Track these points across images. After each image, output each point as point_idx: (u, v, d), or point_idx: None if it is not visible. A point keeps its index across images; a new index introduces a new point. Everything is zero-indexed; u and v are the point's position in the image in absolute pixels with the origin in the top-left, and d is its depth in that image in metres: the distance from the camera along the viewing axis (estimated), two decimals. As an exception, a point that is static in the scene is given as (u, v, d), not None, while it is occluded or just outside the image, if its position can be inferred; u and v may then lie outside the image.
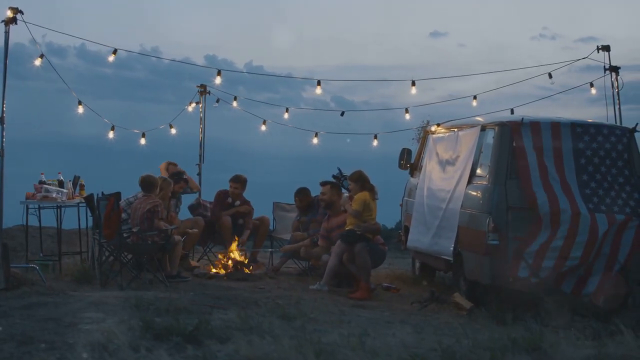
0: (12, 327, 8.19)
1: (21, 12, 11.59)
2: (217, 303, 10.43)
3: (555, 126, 11.21)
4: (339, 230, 13.03)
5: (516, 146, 11.06)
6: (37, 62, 12.73)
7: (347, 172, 13.91)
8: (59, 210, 13.51)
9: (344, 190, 13.98)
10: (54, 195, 13.10)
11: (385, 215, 13.83)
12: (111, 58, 13.58)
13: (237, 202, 15.01)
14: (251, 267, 13.93)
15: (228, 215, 14.76)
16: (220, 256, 14.34)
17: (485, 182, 11.28)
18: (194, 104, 16.99)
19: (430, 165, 13.53)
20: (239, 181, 15.07)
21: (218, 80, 15.02)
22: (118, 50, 13.59)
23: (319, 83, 14.71)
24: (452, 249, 11.78)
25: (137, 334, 7.67)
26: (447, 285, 13.12)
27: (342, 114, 16.04)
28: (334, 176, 14.50)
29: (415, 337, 8.74)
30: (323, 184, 14.00)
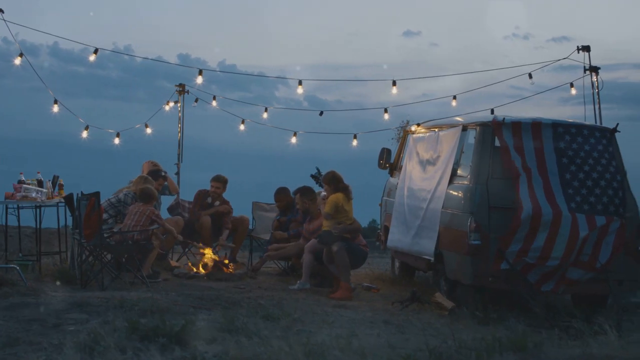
0: (-4, 328, 8.16)
1: (2, 11, 11.53)
2: (199, 303, 10.40)
3: (537, 126, 11.23)
4: (320, 231, 12.99)
5: (500, 146, 11.10)
6: (17, 61, 12.67)
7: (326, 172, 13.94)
8: (39, 210, 13.42)
9: (322, 189, 13.99)
10: (33, 195, 13.01)
11: (358, 215, 13.77)
12: (92, 57, 13.57)
13: (217, 202, 14.99)
14: (231, 267, 13.89)
15: (207, 215, 14.73)
16: (201, 248, 14.26)
17: (466, 182, 11.29)
18: (172, 103, 16.95)
19: (410, 165, 13.53)
20: (221, 181, 15.06)
21: (199, 79, 15.04)
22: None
23: (300, 83, 14.75)
24: (433, 248, 11.79)
25: (123, 335, 7.65)
26: (428, 285, 13.12)
27: (321, 113, 16.08)
28: (312, 175, 14.57)
29: (400, 338, 8.78)
30: (294, 192, 14.03)
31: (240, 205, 15.64)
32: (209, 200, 15.02)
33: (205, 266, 13.77)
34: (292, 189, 14.74)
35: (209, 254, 13.96)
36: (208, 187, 15.14)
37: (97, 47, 13.87)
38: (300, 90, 14.94)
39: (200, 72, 15.03)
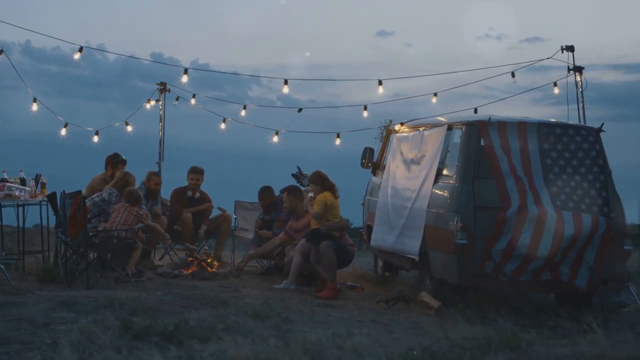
0: (-15, 327, 8.08)
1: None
2: (187, 303, 10.36)
3: (522, 126, 11.26)
4: (306, 230, 12.96)
5: (484, 146, 11.13)
6: (-1, 58, 12.68)
7: (307, 171, 13.94)
8: (22, 208, 13.32)
9: (304, 188, 13.99)
10: (16, 193, 12.92)
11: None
12: (77, 56, 13.53)
13: (197, 194, 15.00)
14: (215, 266, 13.86)
15: (190, 212, 14.71)
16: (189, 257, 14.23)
17: (452, 182, 11.30)
18: (153, 102, 16.88)
19: (394, 165, 13.54)
20: (198, 172, 15.15)
21: (184, 79, 15.03)
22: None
23: (285, 82, 14.75)
24: (418, 248, 11.79)
25: (116, 334, 7.59)
26: (412, 284, 13.11)
27: (300, 110, 16.09)
28: (293, 175, 14.50)
29: (390, 337, 8.78)
30: (282, 191, 14.02)
31: (222, 204, 15.62)
32: (190, 193, 15.02)
33: (188, 265, 13.76)
34: (273, 188, 14.77)
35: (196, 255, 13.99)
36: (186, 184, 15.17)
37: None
38: (286, 89, 14.93)
39: (185, 72, 15.00)
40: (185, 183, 15.24)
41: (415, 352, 7.29)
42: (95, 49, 14.13)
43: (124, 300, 9.61)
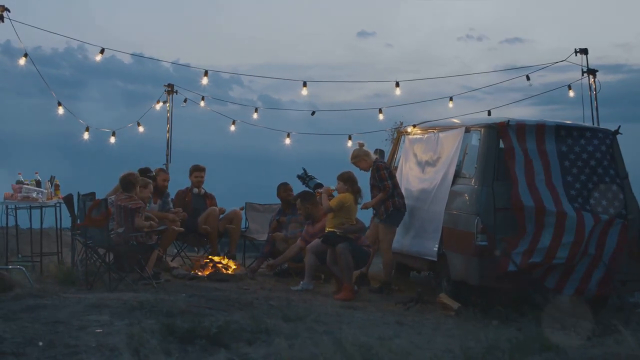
0: (23, 330, 8.03)
1: (8, 10, 11.39)
2: (214, 305, 10.35)
3: (540, 128, 11.35)
4: (322, 233, 12.96)
5: (504, 148, 11.21)
6: (22, 61, 12.60)
7: (312, 173, 13.96)
8: (40, 210, 13.33)
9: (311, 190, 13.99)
10: (34, 195, 12.93)
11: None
12: (98, 57, 13.50)
13: (203, 191, 15.06)
14: (230, 269, 13.84)
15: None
16: (202, 259, 14.23)
17: (472, 184, 11.37)
18: (161, 103, 16.87)
19: (407, 167, 13.59)
20: (201, 169, 15.29)
21: (205, 80, 14.98)
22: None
23: (304, 84, 14.69)
24: (436, 249, 11.86)
25: (160, 337, 7.58)
26: (428, 286, 13.14)
27: (313, 113, 16.06)
28: (298, 176, 14.45)
29: (421, 338, 8.81)
30: (294, 199, 14.02)
31: (231, 206, 15.62)
32: (196, 190, 15.07)
33: (203, 266, 13.76)
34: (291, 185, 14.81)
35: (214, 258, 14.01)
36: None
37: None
38: (304, 91, 14.82)
39: (205, 73, 14.94)
40: (188, 184, 15.31)
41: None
42: (115, 50, 13.82)
43: (153, 303, 9.58)
